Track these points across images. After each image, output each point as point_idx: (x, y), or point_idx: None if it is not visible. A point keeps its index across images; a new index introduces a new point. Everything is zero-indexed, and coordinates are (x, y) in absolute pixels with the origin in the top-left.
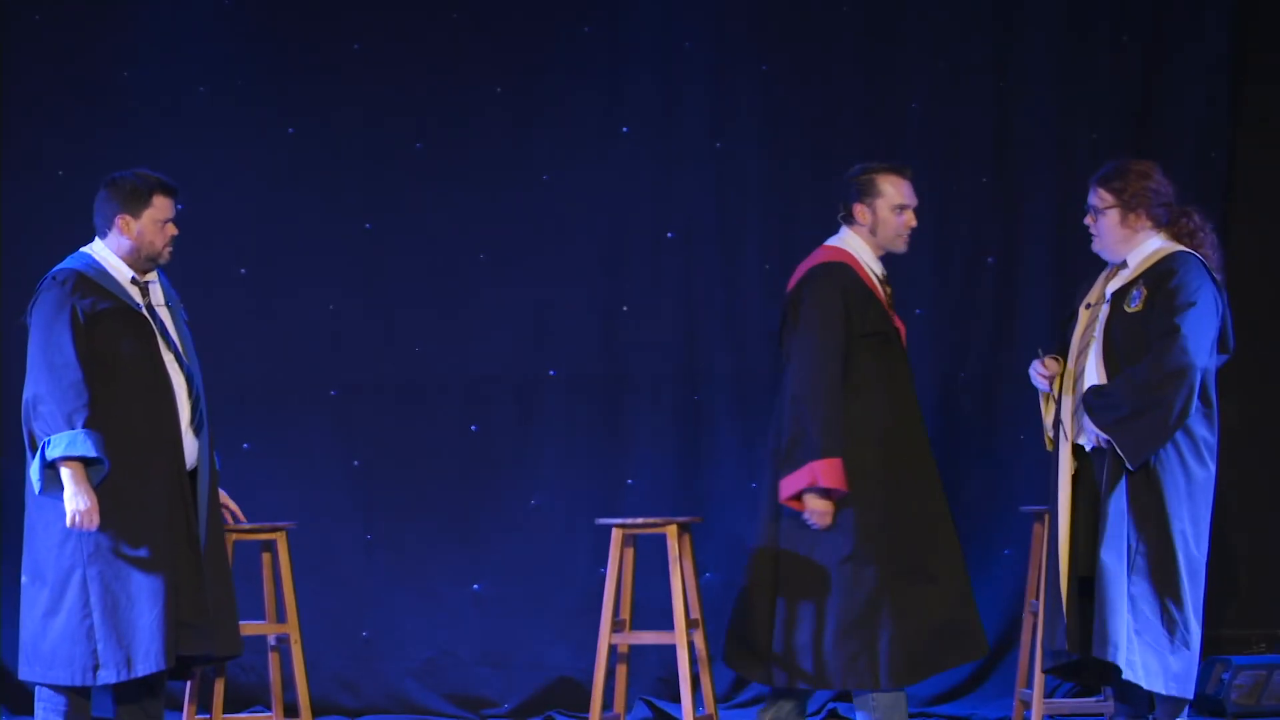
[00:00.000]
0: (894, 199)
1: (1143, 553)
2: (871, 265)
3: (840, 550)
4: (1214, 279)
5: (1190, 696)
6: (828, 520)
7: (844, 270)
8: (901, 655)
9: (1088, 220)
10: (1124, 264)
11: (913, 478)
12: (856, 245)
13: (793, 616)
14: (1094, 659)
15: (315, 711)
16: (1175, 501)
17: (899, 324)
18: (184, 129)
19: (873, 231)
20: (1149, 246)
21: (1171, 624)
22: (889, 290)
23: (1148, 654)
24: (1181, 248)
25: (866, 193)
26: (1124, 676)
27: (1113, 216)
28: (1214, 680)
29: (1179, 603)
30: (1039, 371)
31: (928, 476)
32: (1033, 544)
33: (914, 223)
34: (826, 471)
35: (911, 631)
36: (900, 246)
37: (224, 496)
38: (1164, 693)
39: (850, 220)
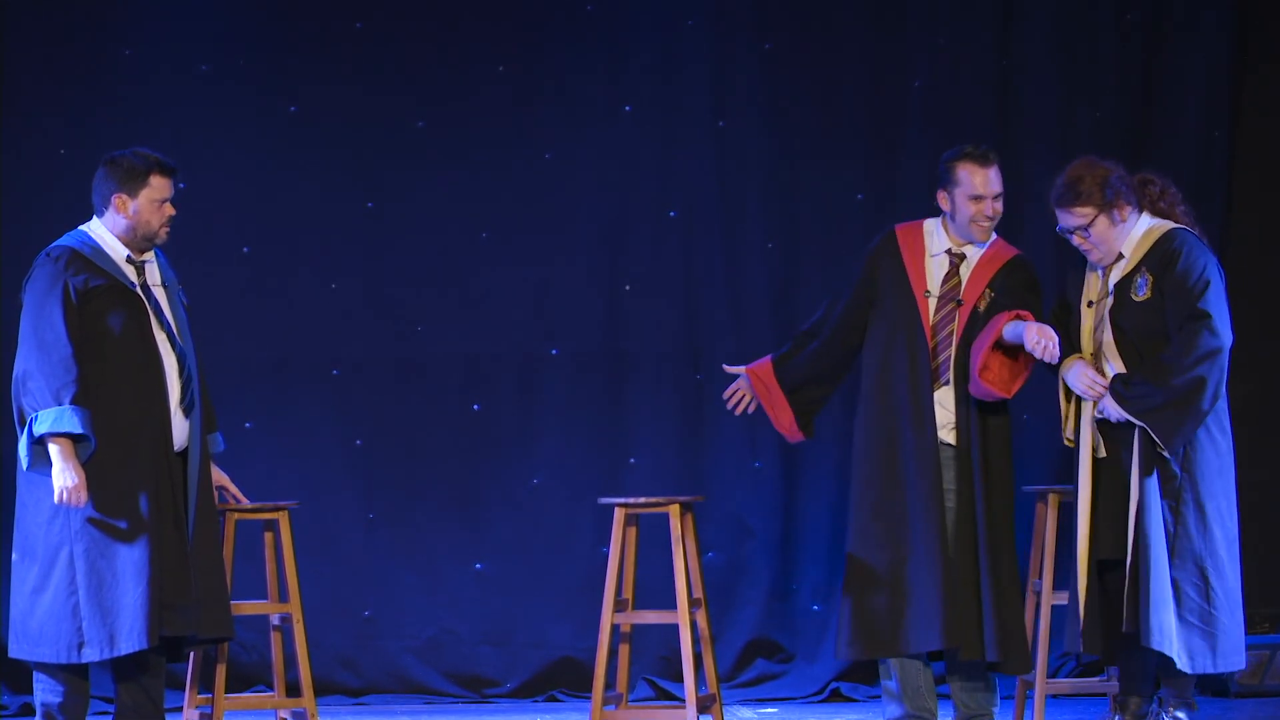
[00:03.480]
0: (969, 189)
1: (1183, 535)
2: (933, 246)
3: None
4: (1213, 252)
5: (1243, 665)
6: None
7: (890, 237)
8: (855, 628)
9: (1076, 240)
10: (1119, 256)
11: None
12: (930, 227)
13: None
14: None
15: (317, 690)
16: (1208, 480)
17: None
18: (186, 107)
19: (952, 218)
20: (1138, 230)
21: (1217, 601)
22: (955, 279)
23: (1193, 637)
24: (1170, 224)
25: (946, 181)
26: (1177, 667)
27: (1101, 224)
28: None
29: (1223, 578)
30: (1095, 380)
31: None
32: (1035, 524)
33: (991, 211)
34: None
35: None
36: (979, 235)
37: (224, 479)
38: (1215, 671)
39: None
